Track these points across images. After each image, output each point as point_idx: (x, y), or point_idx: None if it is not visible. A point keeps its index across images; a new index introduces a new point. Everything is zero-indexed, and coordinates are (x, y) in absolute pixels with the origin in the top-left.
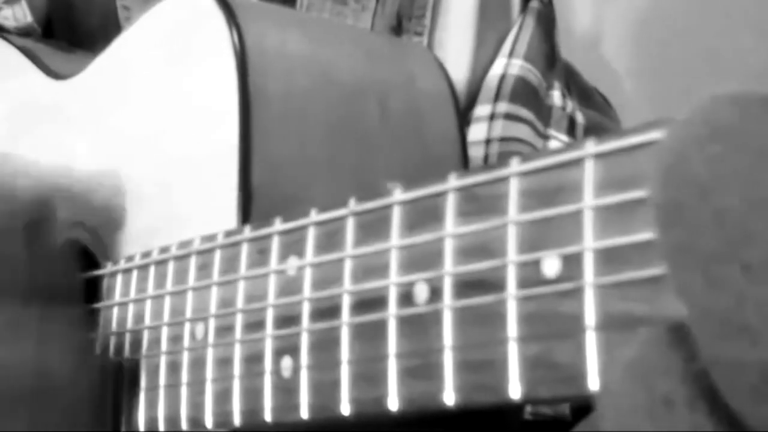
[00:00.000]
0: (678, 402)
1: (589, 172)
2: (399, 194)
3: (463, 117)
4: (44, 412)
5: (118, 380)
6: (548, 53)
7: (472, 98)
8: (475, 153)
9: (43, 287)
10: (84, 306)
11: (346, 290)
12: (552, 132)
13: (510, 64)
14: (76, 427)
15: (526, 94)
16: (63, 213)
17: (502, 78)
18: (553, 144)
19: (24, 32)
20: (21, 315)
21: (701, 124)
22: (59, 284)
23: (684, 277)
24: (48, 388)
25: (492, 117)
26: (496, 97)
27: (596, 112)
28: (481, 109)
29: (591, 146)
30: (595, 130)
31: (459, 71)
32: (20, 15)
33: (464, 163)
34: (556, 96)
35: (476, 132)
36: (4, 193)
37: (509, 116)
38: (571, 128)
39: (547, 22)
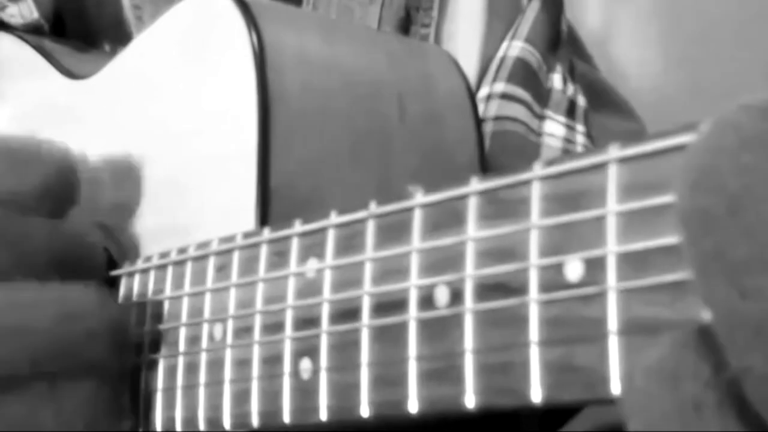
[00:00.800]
0: (707, 407)
1: (613, 177)
2: (420, 197)
3: None
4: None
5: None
6: (552, 37)
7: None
8: None
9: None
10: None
11: (366, 292)
12: (549, 113)
13: (511, 46)
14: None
15: (524, 74)
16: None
17: (502, 59)
18: (549, 124)
19: (31, 29)
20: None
21: (731, 134)
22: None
23: (714, 288)
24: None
25: (489, 97)
26: (495, 78)
27: (590, 67)
28: (481, 92)
29: (615, 150)
30: (590, 84)
31: (469, 62)
32: (26, 11)
33: (482, 163)
34: (556, 79)
35: None
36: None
37: (505, 96)
38: (571, 110)
39: (553, 7)
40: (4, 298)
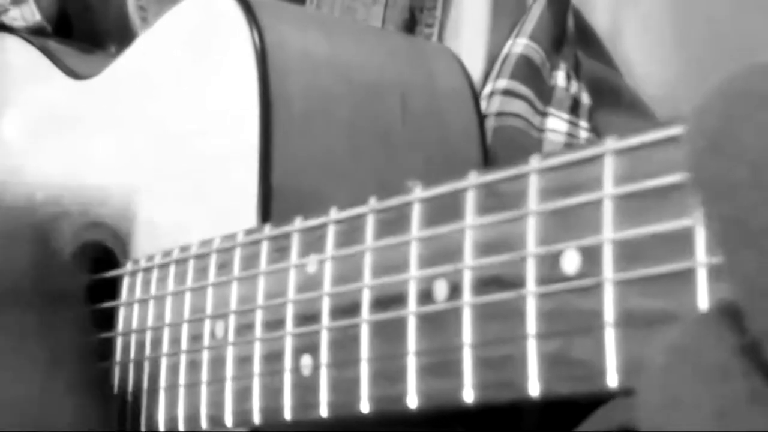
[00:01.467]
0: (733, 371)
1: (609, 169)
2: (419, 192)
3: None
4: None
5: (137, 380)
6: (556, 35)
7: None
8: None
9: (47, 294)
10: (87, 311)
11: (366, 285)
12: (552, 110)
13: (515, 43)
14: None
15: (527, 71)
16: (79, 215)
17: (506, 56)
18: (551, 120)
19: (34, 31)
20: (25, 329)
21: (744, 94)
22: (63, 291)
23: (735, 254)
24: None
25: (491, 94)
26: (498, 75)
27: (602, 64)
28: (486, 89)
29: (611, 143)
30: (598, 83)
31: (474, 61)
32: (28, 14)
33: (485, 160)
34: (560, 76)
35: None
36: (11, 202)
37: (507, 92)
38: (574, 108)
39: (559, 5)
40: None
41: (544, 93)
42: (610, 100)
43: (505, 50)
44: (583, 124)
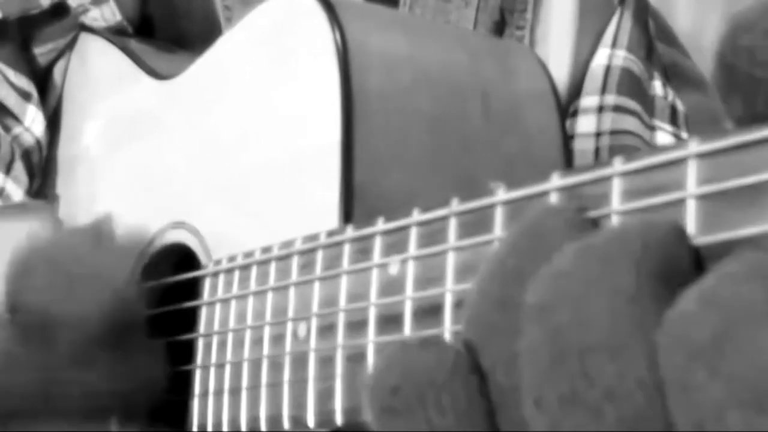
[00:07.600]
0: None
1: (692, 172)
2: (502, 194)
3: (567, 108)
4: None
5: (219, 380)
6: (646, 43)
7: (575, 89)
8: (586, 146)
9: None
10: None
11: (449, 290)
12: (657, 122)
13: (614, 55)
14: None
15: (631, 85)
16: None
17: (608, 69)
18: (660, 135)
19: (115, 32)
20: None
21: None
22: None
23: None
24: None
25: (601, 109)
26: (603, 89)
27: (678, 52)
28: (589, 101)
29: (694, 145)
30: (676, 71)
31: (561, 63)
32: (109, 14)
33: (566, 161)
34: (657, 86)
35: (585, 124)
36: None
37: (618, 108)
38: (673, 116)
39: (642, 12)
40: None
41: (648, 104)
42: (687, 86)
43: (603, 61)
44: (685, 136)
